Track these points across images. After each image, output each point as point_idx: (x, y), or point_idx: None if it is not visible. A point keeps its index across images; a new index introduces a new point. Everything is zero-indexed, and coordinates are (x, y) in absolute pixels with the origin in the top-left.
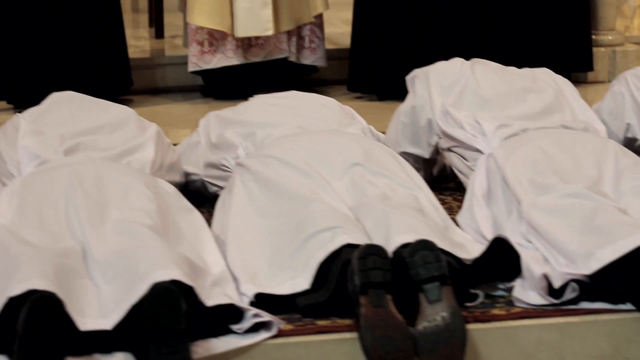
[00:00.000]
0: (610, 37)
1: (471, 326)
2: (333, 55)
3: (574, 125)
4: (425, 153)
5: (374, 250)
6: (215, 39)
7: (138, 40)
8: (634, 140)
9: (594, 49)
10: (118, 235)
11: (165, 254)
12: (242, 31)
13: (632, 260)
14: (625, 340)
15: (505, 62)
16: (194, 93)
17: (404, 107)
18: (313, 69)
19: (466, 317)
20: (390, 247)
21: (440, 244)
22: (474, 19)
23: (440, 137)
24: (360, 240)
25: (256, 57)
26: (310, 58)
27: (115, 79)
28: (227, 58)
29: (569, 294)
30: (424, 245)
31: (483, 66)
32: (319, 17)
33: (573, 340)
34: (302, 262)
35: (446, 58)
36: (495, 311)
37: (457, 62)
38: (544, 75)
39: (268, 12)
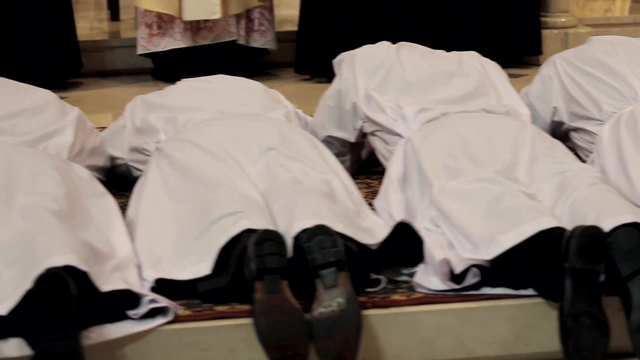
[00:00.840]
0: (563, 19)
1: (370, 312)
2: (287, 38)
3: (496, 109)
4: (351, 137)
5: (270, 236)
6: (163, 21)
7: (98, 23)
8: (561, 124)
9: (546, 32)
10: (22, 220)
11: (64, 239)
12: (189, 14)
13: (533, 245)
14: (526, 326)
15: (455, 45)
16: (145, 76)
17: (330, 91)
18: (264, 52)
19: (365, 303)
20: (292, 232)
21: (344, 229)
22: (423, 1)
23: (364, 121)
24: (262, 225)
25: (205, 40)
26: (259, 41)
27: (64, 61)
28: (174, 41)
29: (470, 280)
30: (321, 231)
31: (409, 49)
32: (269, 0)
33: (473, 326)
34: (205, 247)
35: (395, 40)
36: (396, 297)
37: (384, 45)
38: (471, 59)
39: None
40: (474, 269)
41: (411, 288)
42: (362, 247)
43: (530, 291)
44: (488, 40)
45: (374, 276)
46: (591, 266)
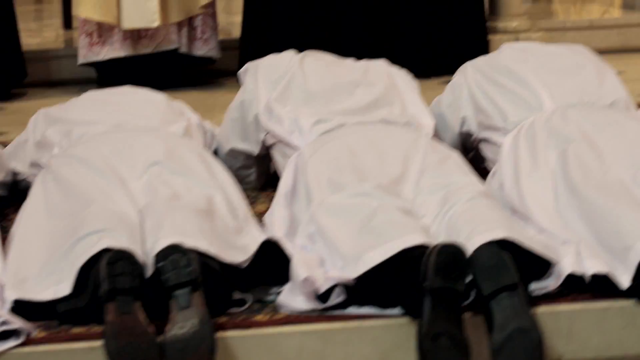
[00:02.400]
0: (514, 24)
1: (230, 333)
2: (233, 46)
3: (396, 120)
4: (255, 149)
5: (123, 256)
6: (103, 30)
7: (48, 31)
8: (470, 134)
9: (496, 37)
10: None
11: None
12: (128, 23)
13: (398, 263)
14: (392, 347)
15: (401, 52)
16: (91, 85)
17: (234, 102)
18: (210, 60)
19: (225, 324)
20: (154, 251)
21: (208, 247)
22: (367, 7)
23: (266, 133)
24: (124, 244)
25: (146, 48)
26: (202, 49)
27: (7, 71)
28: (115, 50)
29: (335, 299)
30: (176, 249)
31: (314, 59)
32: (212, 7)
33: (336, 347)
34: (68, 266)
35: (339, 48)
36: (258, 317)
37: (288, 55)
38: (378, 68)
39: (154, 3)
40: (339, 288)
41: (277, 308)
42: (228, 266)
43: (397, 310)
44: (434, 46)
45: (238, 295)
46: (450, 285)
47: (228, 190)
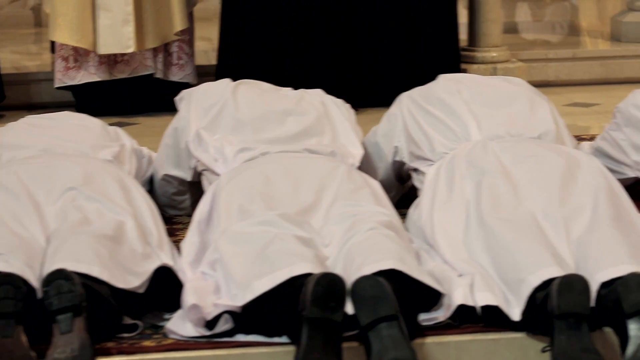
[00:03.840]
0: (493, 54)
1: (115, 358)
2: (212, 72)
3: (320, 150)
4: (187, 176)
5: (7, 280)
6: (79, 54)
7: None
8: (402, 164)
9: (474, 66)
10: None
11: None
12: (103, 48)
13: (286, 292)
14: None
15: (374, 80)
16: (69, 109)
17: (168, 129)
18: (187, 86)
19: (110, 349)
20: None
21: (100, 272)
22: (341, 37)
23: (197, 160)
24: (18, 268)
25: (122, 73)
26: (178, 75)
27: None
28: (90, 74)
29: (222, 326)
30: (61, 275)
31: (248, 87)
32: (189, 33)
33: None
34: None
35: (311, 76)
36: (147, 343)
37: (223, 83)
38: (313, 97)
39: (130, 29)
40: (226, 315)
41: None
42: (122, 291)
43: (283, 339)
44: (406, 75)
45: (129, 321)
46: (327, 315)
47: (144, 217)
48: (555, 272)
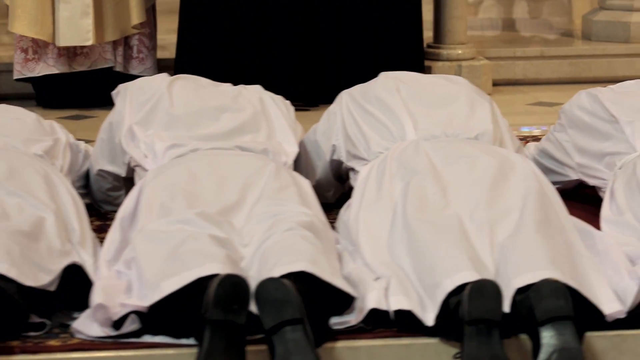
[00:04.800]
0: (459, 51)
1: (19, 357)
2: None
3: (252, 147)
4: (122, 171)
5: None
6: (39, 46)
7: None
8: (340, 162)
9: (439, 64)
10: None
11: None
12: (62, 40)
13: (194, 292)
14: None
15: (337, 77)
16: (29, 101)
17: (104, 123)
18: None
19: (14, 348)
20: None
21: (8, 269)
22: (302, 33)
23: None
24: None
25: (81, 66)
26: (138, 68)
27: None
28: (49, 67)
29: (128, 326)
30: None
31: (184, 82)
32: (150, 27)
33: None
34: None
35: (272, 72)
36: (52, 342)
37: (159, 77)
38: (251, 94)
39: (88, 21)
40: (133, 316)
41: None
42: (31, 289)
43: (191, 340)
44: (369, 73)
45: (37, 319)
46: (229, 317)
47: (67, 213)
48: (471, 276)
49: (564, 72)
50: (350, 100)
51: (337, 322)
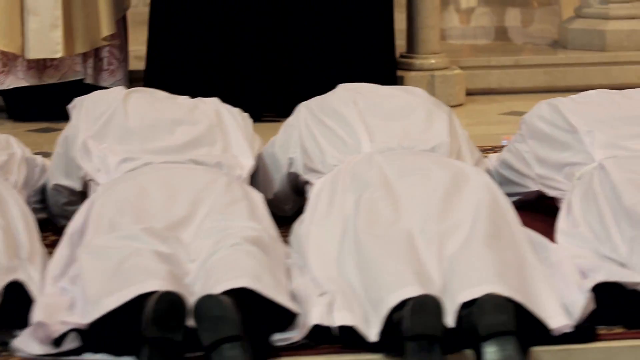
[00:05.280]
0: (432, 61)
1: None
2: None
3: (206, 160)
4: (77, 186)
5: None
6: (8, 59)
7: None
8: (297, 175)
9: (412, 74)
10: None
11: None
12: (32, 53)
13: (133, 309)
14: None
15: (308, 88)
16: (1, 113)
17: (60, 137)
18: None
19: None
20: None
21: None
22: (272, 43)
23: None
24: None
25: (51, 78)
26: (108, 80)
27: None
28: (18, 79)
29: (69, 344)
30: None
31: (140, 95)
32: (120, 39)
33: None
34: None
35: (242, 83)
36: None
37: (115, 90)
38: (207, 106)
39: (58, 34)
40: (74, 333)
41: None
42: None
43: (132, 358)
44: (342, 82)
45: None
46: (167, 335)
47: (16, 228)
48: (414, 291)
49: (538, 81)
50: (307, 113)
51: (280, 338)
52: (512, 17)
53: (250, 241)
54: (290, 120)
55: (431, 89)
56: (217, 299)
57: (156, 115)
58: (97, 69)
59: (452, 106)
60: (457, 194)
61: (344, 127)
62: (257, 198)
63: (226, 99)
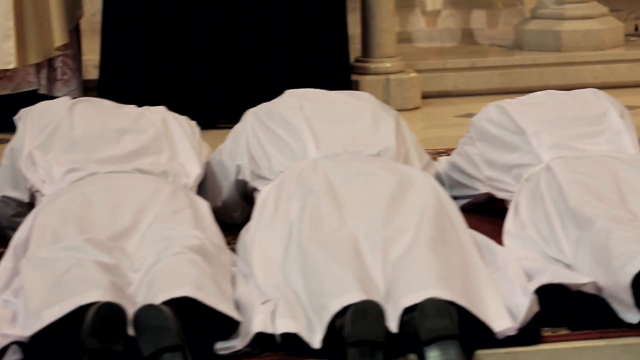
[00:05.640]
0: (387, 65)
1: None
2: None
3: (151, 169)
4: (25, 197)
5: None
6: None
7: None
8: (245, 182)
9: (366, 78)
10: None
11: None
12: None
13: (74, 321)
14: None
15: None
16: None
17: (6, 149)
18: None
19: None
20: None
21: None
22: (226, 51)
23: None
24: None
25: (4, 90)
26: (62, 90)
27: None
28: None
29: (10, 357)
30: None
31: (86, 105)
32: (73, 48)
33: None
34: None
35: (196, 91)
36: None
37: (60, 101)
38: (154, 115)
39: (10, 44)
40: (15, 346)
41: None
42: None
43: None
44: (298, 86)
45: None
46: (107, 345)
47: None
48: (357, 297)
49: (495, 83)
50: (254, 120)
51: (222, 347)
52: (478, 19)
53: (193, 250)
54: (238, 127)
55: (387, 93)
56: (157, 308)
57: (102, 125)
58: (51, 79)
59: (407, 109)
60: (402, 199)
61: (290, 133)
62: (203, 206)
63: (181, 106)
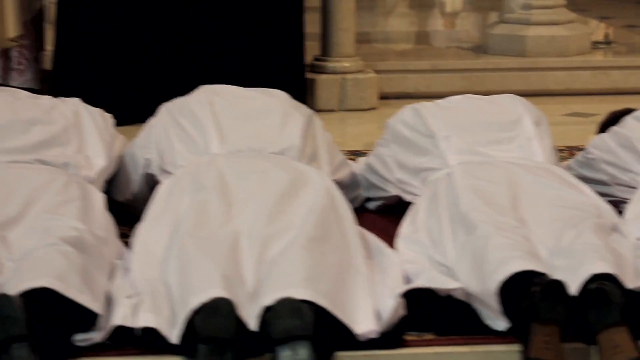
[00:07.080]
0: (346, 64)
1: None
2: None
3: (52, 161)
4: None
5: None
6: None
7: None
8: (153, 176)
9: (323, 77)
10: None
11: None
12: None
13: None
14: None
15: None
16: None
17: None
18: (33, 91)
19: None
20: None
21: None
22: (181, 49)
23: None
24: None
25: None
26: (18, 80)
27: None
28: None
29: None
30: None
31: (5, 95)
32: (30, 38)
33: None
34: None
35: (149, 83)
36: None
37: None
38: (66, 107)
39: None
40: None
41: None
42: None
43: None
44: (253, 84)
45: None
46: None
47: None
48: (216, 294)
49: (456, 86)
50: (166, 114)
51: (81, 338)
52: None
53: (68, 241)
54: (151, 121)
55: (343, 92)
56: (8, 298)
57: (12, 115)
58: (6, 69)
59: (364, 110)
60: (293, 197)
61: (196, 128)
62: (97, 199)
63: (135, 100)
